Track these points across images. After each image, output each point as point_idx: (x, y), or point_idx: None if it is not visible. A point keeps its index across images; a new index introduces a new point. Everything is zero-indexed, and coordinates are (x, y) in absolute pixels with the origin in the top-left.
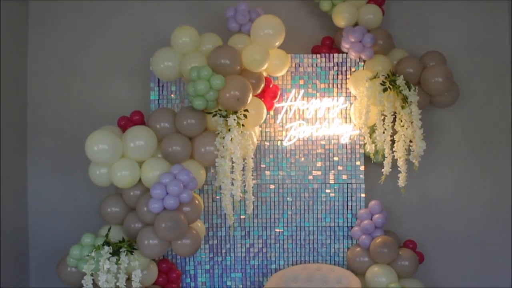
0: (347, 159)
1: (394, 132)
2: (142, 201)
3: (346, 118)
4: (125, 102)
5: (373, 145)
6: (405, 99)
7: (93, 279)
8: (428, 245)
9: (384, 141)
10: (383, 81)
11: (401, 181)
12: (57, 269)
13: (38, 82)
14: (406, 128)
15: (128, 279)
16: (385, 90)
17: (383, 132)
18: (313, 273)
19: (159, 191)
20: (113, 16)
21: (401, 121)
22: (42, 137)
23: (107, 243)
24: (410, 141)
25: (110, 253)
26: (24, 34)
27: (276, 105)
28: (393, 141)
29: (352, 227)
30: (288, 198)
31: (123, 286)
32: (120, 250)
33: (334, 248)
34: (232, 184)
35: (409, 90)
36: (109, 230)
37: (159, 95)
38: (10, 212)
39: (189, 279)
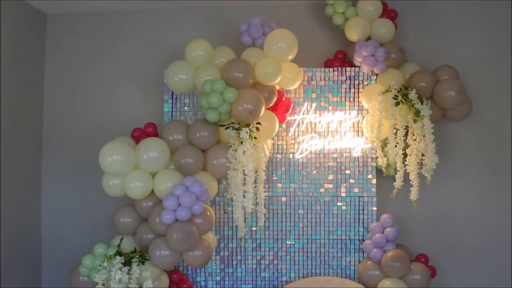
0: (359, 172)
1: (406, 145)
2: (155, 212)
3: (358, 131)
4: (139, 114)
5: (385, 158)
6: (417, 113)
7: None
8: (441, 259)
9: (396, 155)
10: (395, 95)
11: (413, 194)
12: (69, 278)
13: (54, 94)
14: (419, 142)
15: None
16: (397, 104)
17: (395, 146)
18: (324, 286)
19: (171, 203)
20: (127, 29)
21: (413, 134)
22: (57, 148)
23: (119, 253)
24: (423, 155)
25: (122, 263)
26: (42, 48)
27: (289, 118)
28: (405, 155)
29: (363, 240)
30: (299, 211)
31: None
32: (132, 261)
33: (345, 261)
34: (244, 196)
35: (422, 104)
36: (121, 240)
37: (172, 108)
38: (24, 222)
39: None
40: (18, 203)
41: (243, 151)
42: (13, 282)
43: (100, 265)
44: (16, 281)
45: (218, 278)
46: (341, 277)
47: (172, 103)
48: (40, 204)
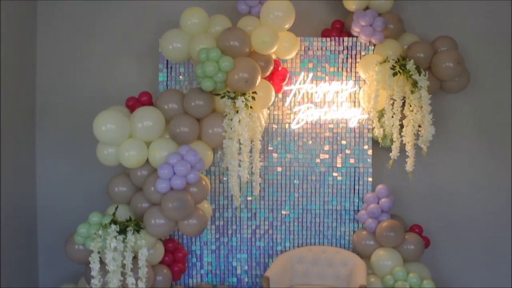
0: (355, 143)
1: (403, 116)
2: (149, 181)
3: (355, 102)
4: (133, 84)
5: (382, 129)
6: (415, 84)
7: (100, 257)
8: (435, 230)
9: (392, 126)
10: (393, 65)
11: (409, 165)
12: (65, 247)
13: (47, 63)
14: (415, 113)
15: (135, 258)
16: (395, 74)
17: (392, 117)
18: (318, 255)
19: (166, 171)
20: None
21: (410, 105)
22: (51, 118)
23: (114, 221)
24: (419, 126)
25: (117, 232)
26: (34, 17)
27: (285, 88)
28: (401, 126)
29: (358, 210)
30: (295, 181)
31: (129, 264)
32: (127, 229)
33: (340, 231)
34: (239, 166)
35: (419, 75)
36: (116, 209)
37: (167, 77)
38: (19, 191)
39: (195, 259)
40: (13, 174)
41: (239, 120)
42: (10, 253)
43: (95, 233)
44: (13, 251)
45: (213, 247)
46: (336, 246)
47: (167, 72)
48: (35, 174)
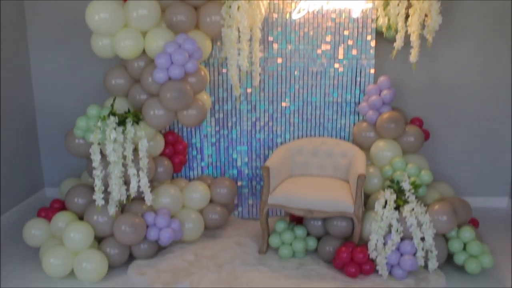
0: (357, 34)
1: (409, 5)
2: (147, 71)
3: None
4: None
5: (386, 18)
6: None
7: (100, 149)
8: (435, 123)
9: (398, 14)
10: None
11: (413, 56)
12: (65, 141)
13: None
14: (422, 2)
15: (135, 150)
16: None
17: (398, 5)
18: (318, 146)
19: (163, 61)
20: None
21: None
22: (41, 11)
23: (112, 113)
24: (426, 16)
25: (116, 123)
26: None
27: None
28: (407, 16)
29: (359, 103)
30: (295, 72)
31: (130, 155)
32: (126, 120)
33: (341, 123)
34: (239, 55)
35: None
36: (114, 100)
37: None
38: (15, 88)
39: (195, 151)
40: (6, 70)
41: (238, 7)
42: (13, 153)
43: (94, 126)
44: (16, 151)
45: (213, 140)
46: (336, 138)
47: None
48: (30, 70)
